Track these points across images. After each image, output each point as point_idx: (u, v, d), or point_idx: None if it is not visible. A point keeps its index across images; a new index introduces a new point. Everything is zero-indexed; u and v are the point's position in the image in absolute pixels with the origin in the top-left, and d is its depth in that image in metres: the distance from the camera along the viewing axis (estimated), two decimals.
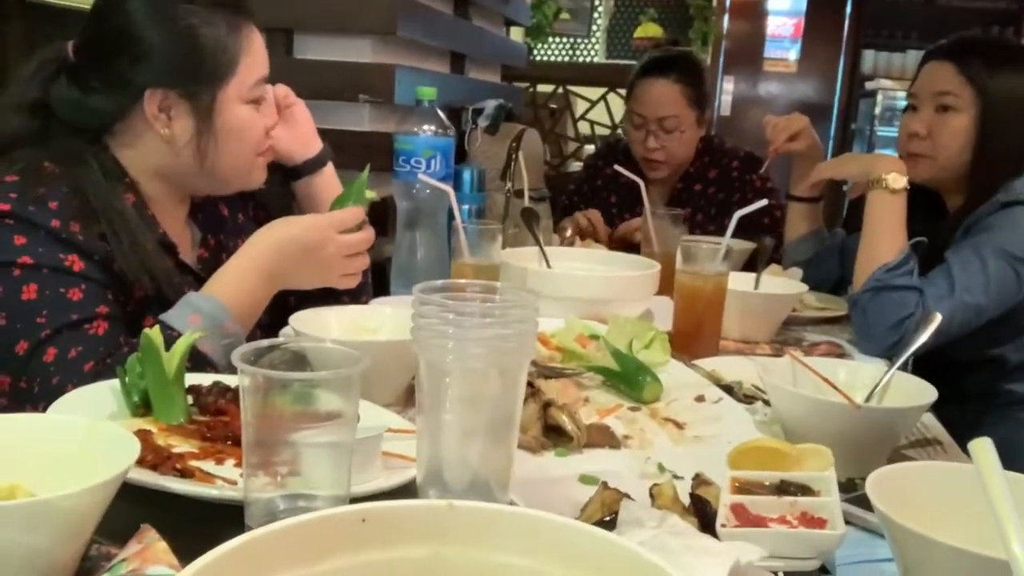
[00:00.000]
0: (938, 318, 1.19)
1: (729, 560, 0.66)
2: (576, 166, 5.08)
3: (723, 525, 0.78)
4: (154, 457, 0.88)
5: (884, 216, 1.68)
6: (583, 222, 2.30)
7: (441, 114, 1.72)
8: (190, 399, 1.04)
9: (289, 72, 1.82)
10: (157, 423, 1.00)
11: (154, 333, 1.01)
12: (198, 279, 1.38)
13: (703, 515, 0.81)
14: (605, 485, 0.88)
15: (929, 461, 0.85)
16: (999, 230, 1.62)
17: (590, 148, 5.37)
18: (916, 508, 0.76)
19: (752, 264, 1.86)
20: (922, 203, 1.80)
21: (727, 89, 8.29)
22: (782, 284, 1.73)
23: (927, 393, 1.06)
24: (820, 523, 0.79)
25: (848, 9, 8.91)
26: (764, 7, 9.08)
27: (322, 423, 0.78)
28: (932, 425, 1.26)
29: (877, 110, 7.32)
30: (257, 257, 1.28)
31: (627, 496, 0.82)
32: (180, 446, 0.95)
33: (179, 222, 1.42)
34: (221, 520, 0.80)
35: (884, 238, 1.67)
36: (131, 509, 0.78)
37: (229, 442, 0.96)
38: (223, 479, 0.87)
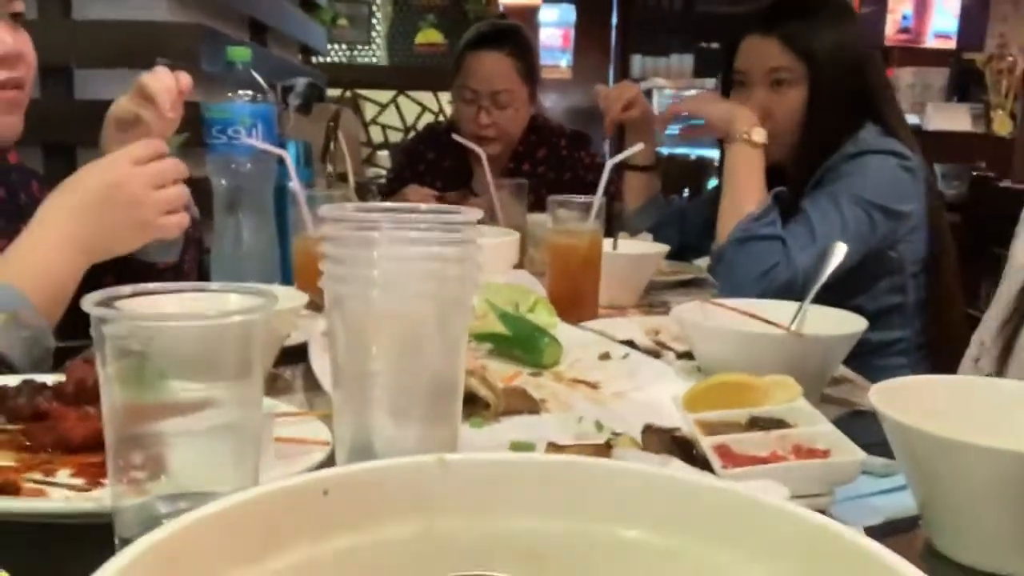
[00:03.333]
0: (842, 248, 1.14)
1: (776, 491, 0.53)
2: (372, 172, 4.88)
3: (724, 467, 0.65)
4: None
5: (746, 169, 1.66)
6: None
7: (258, 78, 1.51)
8: None
9: (69, 36, 1.55)
10: None
11: None
12: None
13: (691, 461, 0.68)
14: (556, 445, 0.73)
15: (928, 375, 0.76)
16: (852, 177, 1.61)
17: (384, 154, 5.20)
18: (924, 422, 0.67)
19: (605, 229, 1.77)
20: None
21: None
22: (640, 246, 1.65)
23: (854, 320, 0.99)
24: (823, 454, 0.68)
25: (614, 19, 9.31)
26: (536, 19, 9.31)
27: (212, 403, 0.58)
28: None
29: (656, 109, 7.61)
30: (52, 222, 1.03)
31: (607, 445, 0.67)
32: None
33: None
34: (62, 545, 0.59)
35: (747, 190, 1.65)
36: None
37: (58, 450, 0.73)
38: (66, 486, 0.64)
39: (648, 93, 7.79)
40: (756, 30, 1.74)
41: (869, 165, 1.62)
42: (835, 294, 1.68)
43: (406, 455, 0.63)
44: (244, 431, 0.59)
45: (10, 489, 0.64)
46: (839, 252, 1.12)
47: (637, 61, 8.90)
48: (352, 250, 0.61)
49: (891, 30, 6.58)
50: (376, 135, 5.28)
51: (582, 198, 1.38)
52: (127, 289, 0.56)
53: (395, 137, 5.28)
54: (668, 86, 7.37)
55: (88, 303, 0.53)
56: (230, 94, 1.47)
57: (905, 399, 0.69)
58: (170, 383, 0.58)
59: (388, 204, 0.65)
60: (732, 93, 1.78)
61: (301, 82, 2.05)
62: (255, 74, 1.51)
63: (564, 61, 9.99)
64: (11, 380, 0.83)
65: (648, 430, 0.78)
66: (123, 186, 1.04)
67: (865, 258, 1.63)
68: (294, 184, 1.31)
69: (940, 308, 1.77)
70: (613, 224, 1.70)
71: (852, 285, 1.69)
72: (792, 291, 1.55)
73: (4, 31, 1.11)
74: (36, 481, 0.66)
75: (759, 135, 1.64)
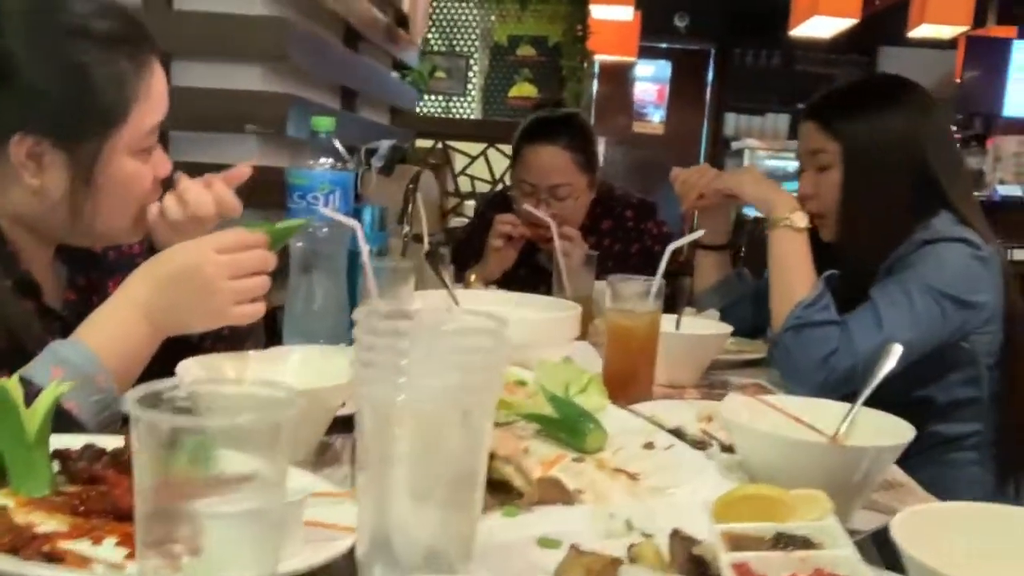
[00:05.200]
0: (898, 349, 1.12)
1: None
2: (457, 221, 4.98)
3: None
4: (13, 538, 0.69)
5: (792, 254, 1.66)
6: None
7: (339, 146, 1.57)
8: (56, 466, 0.85)
9: (169, 100, 1.65)
10: (15, 496, 0.80)
11: (11, 384, 0.82)
12: (66, 326, 1.18)
13: None
14: (577, 549, 0.74)
15: (952, 502, 0.76)
16: (922, 266, 1.58)
17: (471, 203, 5.29)
18: (943, 555, 0.66)
19: (669, 306, 1.77)
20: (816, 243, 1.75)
21: (599, 150, 8.46)
22: (705, 325, 1.65)
23: (902, 429, 0.97)
24: None
25: (710, 76, 9.32)
26: (631, 74, 9.40)
27: (242, 485, 0.61)
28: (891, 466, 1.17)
29: None
30: (131, 295, 1.09)
31: (619, 560, 0.68)
32: (45, 523, 0.76)
33: (44, 261, 1.22)
34: None
35: (795, 276, 1.64)
36: None
37: (108, 516, 0.78)
38: (105, 562, 0.69)
39: (740, 153, 7.74)
40: (803, 117, 1.77)
41: (940, 254, 1.59)
42: (905, 384, 1.65)
43: (424, 539, 0.67)
44: (273, 514, 0.63)
45: (57, 558, 0.68)
46: (895, 353, 1.11)
47: (731, 119, 8.88)
48: (382, 339, 0.64)
49: None
50: (465, 185, 5.38)
51: (641, 279, 1.39)
52: (171, 382, 0.61)
53: (483, 187, 5.37)
54: (761, 147, 7.31)
55: (131, 400, 0.57)
56: (311, 162, 1.55)
57: (932, 528, 0.69)
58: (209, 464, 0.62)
59: (420, 307, 0.68)
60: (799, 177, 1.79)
61: (385, 144, 2.12)
62: (336, 143, 1.58)
63: (657, 116, 10.03)
64: (75, 442, 0.89)
65: (675, 535, 0.79)
66: (200, 271, 1.08)
67: (936, 349, 1.60)
68: (363, 256, 1.36)
69: (1016, 403, 1.71)
70: (679, 299, 1.70)
71: (923, 375, 1.66)
72: (855, 378, 1.52)
73: (164, 154, 1.22)
74: (78, 553, 0.70)
75: (801, 219, 1.64)
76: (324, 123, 1.57)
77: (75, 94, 1.10)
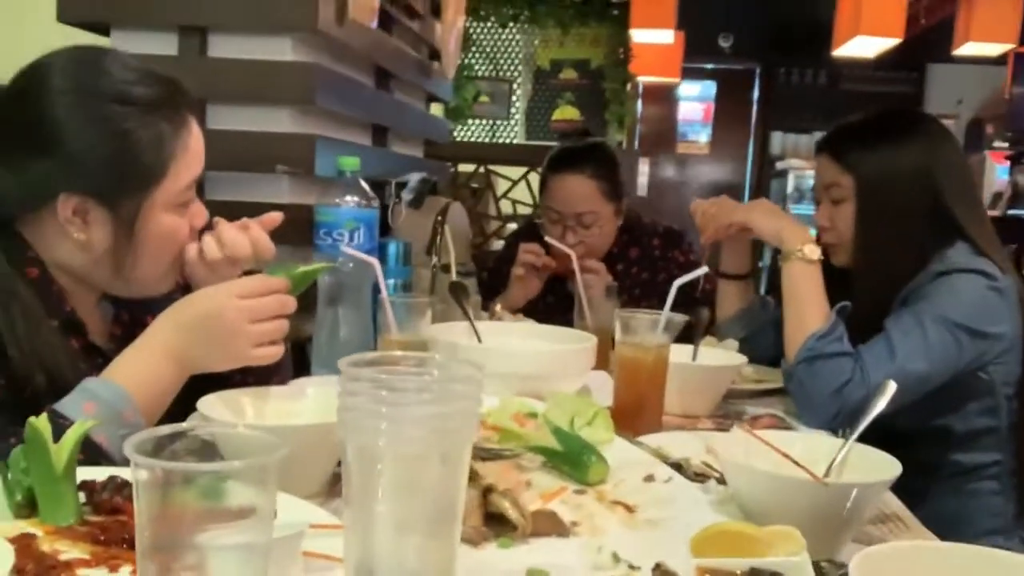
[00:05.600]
0: (892, 386, 1.14)
1: None
2: (499, 244, 5.05)
3: None
4: (36, 567, 0.76)
5: (804, 286, 1.67)
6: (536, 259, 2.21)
7: (364, 185, 1.64)
8: (82, 496, 0.92)
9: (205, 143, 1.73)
10: (43, 525, 0.87)
11: (41, 423, 0.89)
12: (109, 362, 1.26)
13: None
14: None
15: (914, 541, 0.78)
16: (937, 297, 1.60)
17: (512, 226, 5.36)
18: None
19: (686, 337, 1.80)
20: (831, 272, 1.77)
21: (643, 171, 8.46)
22: (721, 356, 1.68)
23: (890, 466, 1.00)
24: None
25: (755, 94, 9.28)
26: (675, 93, 9.40)
27: (233, 521, 0.67)
28: (889, 499, 1.20)
29: (789, 189, 7.52)
30: (158, 336, 1.16)
31: None
32: (69, 551, 0.82)
33: (90, 301, 1.30)
34: None
35: (809, 307, 1.65)
36: None
37: (125, 545, 0.84)
38: None
39: (783, 174, 7.70)
40: (819, 150, 1.79)
41: (955, 285, 1.60)
42: (923, 414, 1.67)
43: (407, 570, 0.72)
44: (263, 548, 0.68)
45: None
46: (888, 391, 1.13)
47: (777, 138, 8.83)
48: (364, 386, 0.70)
49: None
50: (507, 208, 5.45)
51: (650, 313, 1.43)
52: (166, 429, 0.67)
53: (524, 211, 5.43)
54: (806, 167, 7.26)
55: (129, 446, 0.63)
56: (338, 200, 1.62)
57: (893, 568, 0.72)
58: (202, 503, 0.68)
59: (403, 354, 0.73)
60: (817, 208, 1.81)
61: (415, 177, 2.19)
62: (362, 182, 1.65)
63: (704, 136, 10.01)
64: (100, 474, 0.95)
65: (657, 568, 0.83)
66: (221, 317, 1.15)
67: (953, 379, 1.60)
68: (382, 292, 1.42)
69: None
70: (696, 329, 1.72)
71: (940, 405, 1.67)
72: (868, 409, 1.54)
73: (201, 205, 1.30)
74: None
75: (813, 251, 1.65)
76: (350, 163, 1.64)
77: (117, 156, 1.18)
